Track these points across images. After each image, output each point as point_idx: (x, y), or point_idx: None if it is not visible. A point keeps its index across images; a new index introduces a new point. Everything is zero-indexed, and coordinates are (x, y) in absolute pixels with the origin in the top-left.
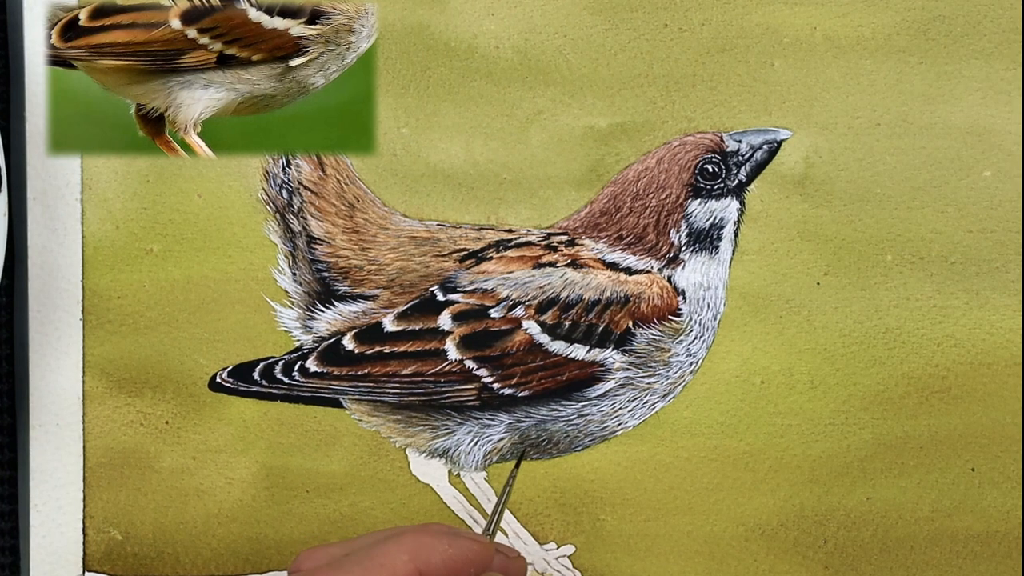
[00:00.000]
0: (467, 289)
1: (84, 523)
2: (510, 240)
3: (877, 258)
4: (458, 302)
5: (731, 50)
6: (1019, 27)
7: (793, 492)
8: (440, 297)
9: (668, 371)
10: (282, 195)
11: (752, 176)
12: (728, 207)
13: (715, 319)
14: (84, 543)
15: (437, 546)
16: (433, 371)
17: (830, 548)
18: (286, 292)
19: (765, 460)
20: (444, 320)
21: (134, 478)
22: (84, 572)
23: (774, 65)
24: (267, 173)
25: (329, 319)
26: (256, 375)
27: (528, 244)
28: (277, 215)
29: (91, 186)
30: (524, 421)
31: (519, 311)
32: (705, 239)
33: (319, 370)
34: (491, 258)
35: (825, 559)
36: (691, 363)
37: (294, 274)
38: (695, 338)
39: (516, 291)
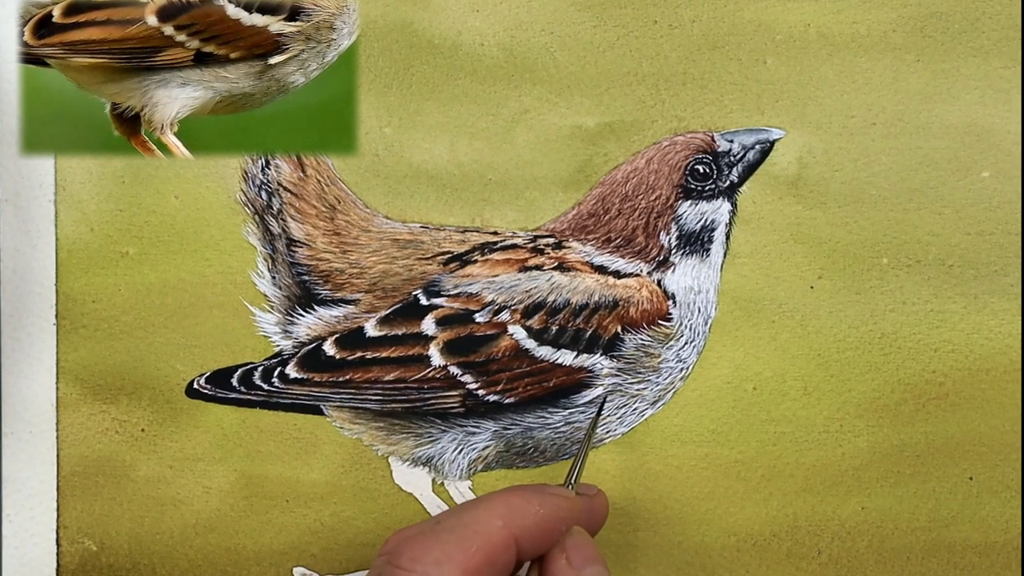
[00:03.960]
0: (451, 293)
1: (58, 533)
2: (495, 243)
3: (873, 261)
4: (442, 306)
5: (723, 47)
6: (1018, 24)
7: (786, 501)
8: (423, 301)
9: (658, 377)
10: (261, 197)
11: (744, 177)
12: (719, 209)
13: (706, 324)
14: (58, 554)
15: (528, 508)
16: (416, 377)
17: (824, 559)
18: (265, 296)
19: (757, 469)
20: (428, 325)
21: (109, 487)
22: None
23: (767, 63)
24: (246, 174)
25: (309, 324)
26: (234, 381)
27: (514, 247)
28: (256, 217)
29: (65, 187)
30: (510, 428)
31: (505, 316)
32: (696, 241)
33: (299, 376)
34: (476, 261)
35: (819, 570)
36: (681, 369)
37: (273, 278)
38: (685, 343)
39: (502, 295)
